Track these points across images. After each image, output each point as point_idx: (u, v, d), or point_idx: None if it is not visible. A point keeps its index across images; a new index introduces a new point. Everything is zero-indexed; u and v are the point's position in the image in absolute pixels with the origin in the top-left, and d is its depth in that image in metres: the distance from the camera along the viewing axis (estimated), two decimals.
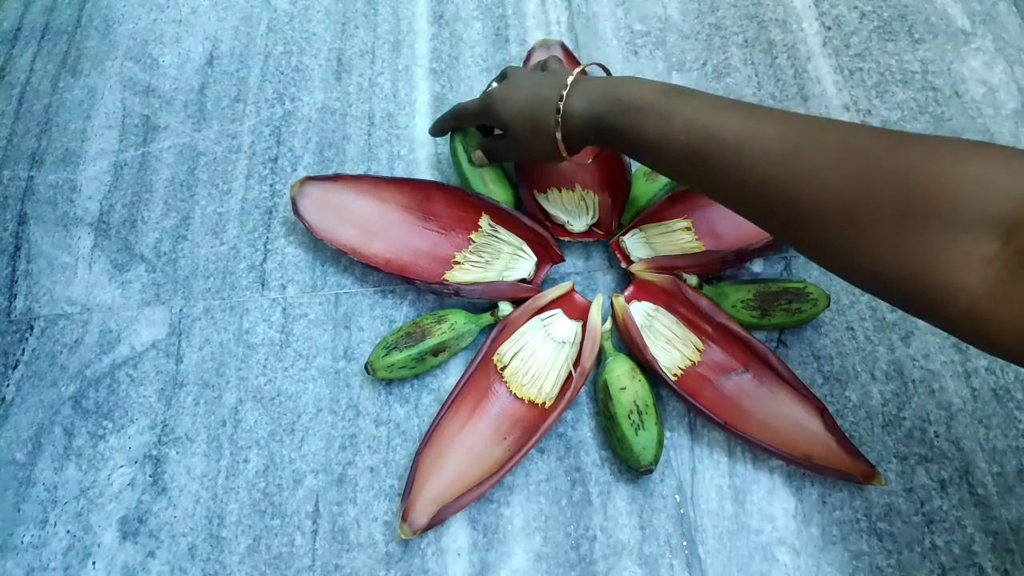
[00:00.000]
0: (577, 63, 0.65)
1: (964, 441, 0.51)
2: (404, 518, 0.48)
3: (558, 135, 0.49)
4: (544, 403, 0.53)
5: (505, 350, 0.55)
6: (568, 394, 0.51)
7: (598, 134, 0.48)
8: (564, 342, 0.55)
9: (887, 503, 0.50)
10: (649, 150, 0.45)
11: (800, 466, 0.50)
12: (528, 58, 0.65)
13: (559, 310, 0.56)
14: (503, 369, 0.54)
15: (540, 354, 0.55)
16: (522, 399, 0.53)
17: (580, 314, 0.56)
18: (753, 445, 0.50)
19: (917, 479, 0.50)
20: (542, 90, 0.50)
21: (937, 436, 0.52)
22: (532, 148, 0.53)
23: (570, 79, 0.49)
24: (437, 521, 0.48)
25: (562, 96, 0.49)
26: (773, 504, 0.50)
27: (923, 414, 0.52)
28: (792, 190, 0.38)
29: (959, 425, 0.52)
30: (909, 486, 0.50)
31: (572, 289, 0.57)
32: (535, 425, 0.51)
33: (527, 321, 0.56)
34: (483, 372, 0.54)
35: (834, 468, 0.49)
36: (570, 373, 0.53)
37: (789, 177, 0.38)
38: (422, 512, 0.48)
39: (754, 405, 0.52)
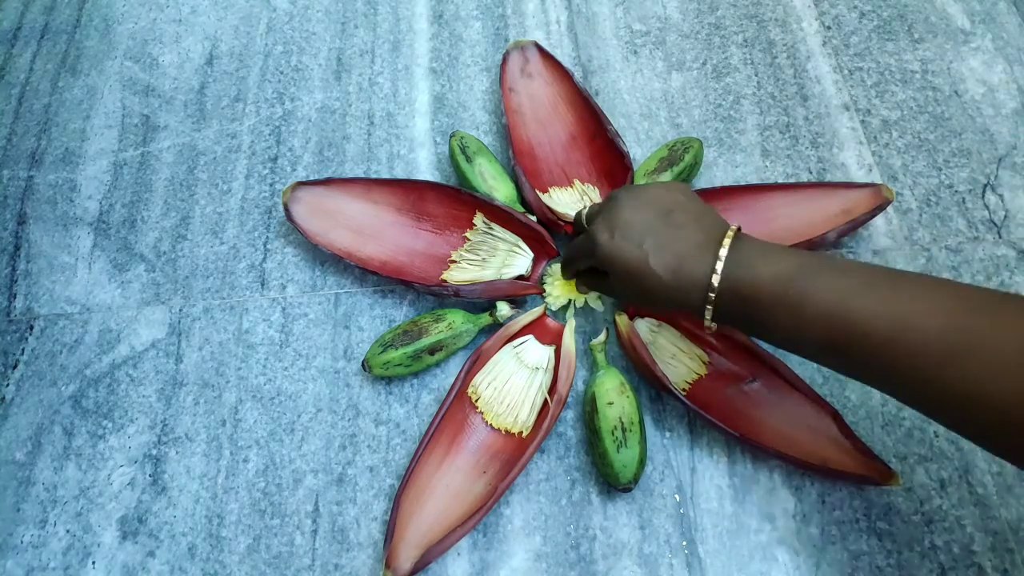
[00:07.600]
0: (555, 63, 0.64)
1: (964, 441, 0.51)
2: (388, 565, 0.47)
3: (706, 317, 0.42)
4: (521, 432, 0.52)
5: (479, 380, 0.54)
6: (546, 423, 0.50)
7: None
8: (537, 368, 0.54)
9: (886, 503, 0.50)
10: (782, 345, 0.41)
11: (817, 472, 0.49)
12: (504, 62, 0.64)
13: (531, 336, 0.55)
14: (477, 400, 0.53)
15: (514, 382, 0.53)
16: (499, 429, 0.52)
17: (552, 338, 0.55)
18: (767, 453, 0.49)
19: (916, 479, 0.50)
20: (679, 251, 0.42)
21: (937, 436, 0.52)
22: (646, 303, 0.49)
23: (724, 253, 0.40)
24: (422, 565, 0.47)
25: (714, 280, 0.40)
26: (773, 504, 0.50)
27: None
28: (966, 395, 0.33)
29: None
30: (909, 486, 0.50)
31: (544, 313, 0.56)
32: (514, 456, 0.51)
33: (499, 349, 0.55)
34: (458, 405, 0.53)
35: (851, 472, 0.48)
36: (546, 401, 0.52)
37: (959, 383, 0.33)
38: (406, 557, 0.47)
39: (766, 413, 0.51)
